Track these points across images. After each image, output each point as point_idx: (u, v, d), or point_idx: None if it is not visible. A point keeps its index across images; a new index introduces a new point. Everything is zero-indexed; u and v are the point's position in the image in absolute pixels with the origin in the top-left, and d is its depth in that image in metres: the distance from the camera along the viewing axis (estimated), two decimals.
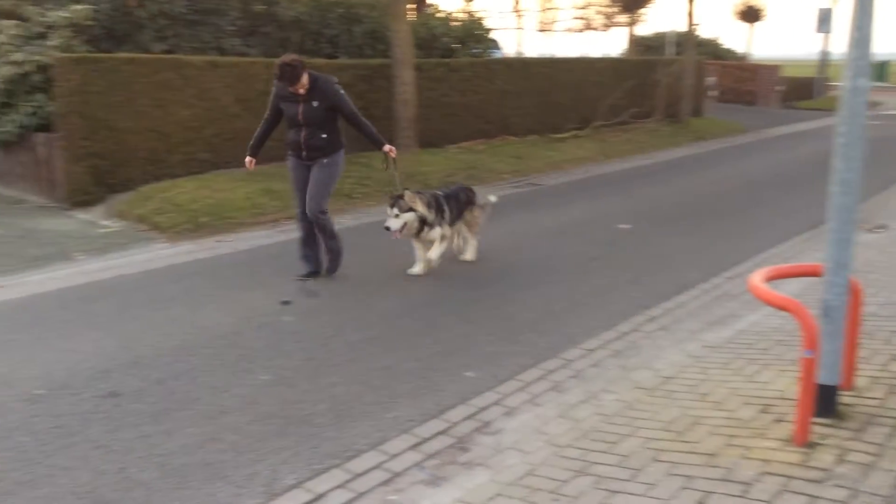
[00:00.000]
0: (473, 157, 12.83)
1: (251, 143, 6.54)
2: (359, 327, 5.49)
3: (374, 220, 9.17)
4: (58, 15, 9.56)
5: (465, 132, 13.87)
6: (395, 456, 3.75)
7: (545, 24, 31.39)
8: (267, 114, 6.47)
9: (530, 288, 6.41)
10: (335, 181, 6.52)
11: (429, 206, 6.49)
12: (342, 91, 6.35)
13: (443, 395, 4.40)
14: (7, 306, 5.86)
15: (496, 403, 4.30)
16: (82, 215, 8.84)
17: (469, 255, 7.13)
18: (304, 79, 6.12)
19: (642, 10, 26.97)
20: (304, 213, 6.44)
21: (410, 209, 6.35)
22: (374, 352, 5.05)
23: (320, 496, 3.39)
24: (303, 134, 6.26)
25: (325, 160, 6.33)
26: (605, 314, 5.75)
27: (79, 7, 9.64)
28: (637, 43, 27.06)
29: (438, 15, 15.40)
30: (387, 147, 6.46)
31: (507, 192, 11.09)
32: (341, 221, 8.81)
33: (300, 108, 6.21)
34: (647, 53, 25.55)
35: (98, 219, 8.73)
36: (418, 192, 6.55)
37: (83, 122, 9.04)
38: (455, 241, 7.11)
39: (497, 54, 18.10)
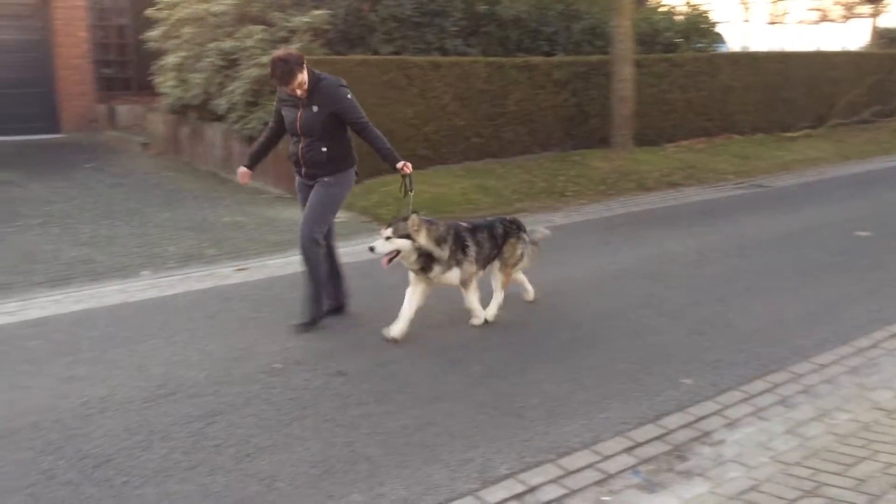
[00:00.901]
0: (693, 157, 12.34)
1: (249, 152, 5.66)
2: (569, 326, 5.47)
3: (585, 219, 9.11)
4: (300, 20, 10.34)
5: (685, 130, 13.36)
6: (608, 457, 3.71)
7: (775, 16, 29.50)
8: (271, 121, 5.60)
9: (755, 295, 6.05)
10: (338, 205, 5.40)
11: (440, 240, 5.10)
12: (350, 95, 5.18)
13: (658, 400, 4.28)
14: (251, 287, 6.44)
15: (716, 413, 4.12)
16: None
17: (528, 294, 5.87)
18: (302, 78, 5.02)
19: (887, 0, 24.57)
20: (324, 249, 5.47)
21: (408, 236, 4.99)
22: (584, 351, 5.01)
23: (533, 489, 3.42)
24: (301, 145, 5.22)
25: (326, 178, 5.26)
26: (839, 327, 5.31)
27: (318, 12, 10.37)
28: (881, 35, 24.69)
29: (661, 9, 14.95)
30: (400, 164, 5.17)
31: (730, 193, 10.56)
32: (551, 220, 8.83)
33: (298, 114, 5.16)
34: (891, 47, 23.24)
35: None
36: (429, 221, 5.14)
37: None
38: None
39: (722, 49, 17.26)
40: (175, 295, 6.17)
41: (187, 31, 11.06)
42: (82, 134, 13.48)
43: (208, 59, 10.63)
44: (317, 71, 5.20)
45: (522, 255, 5.62)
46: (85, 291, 6.23)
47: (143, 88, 13.36)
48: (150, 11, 11.67)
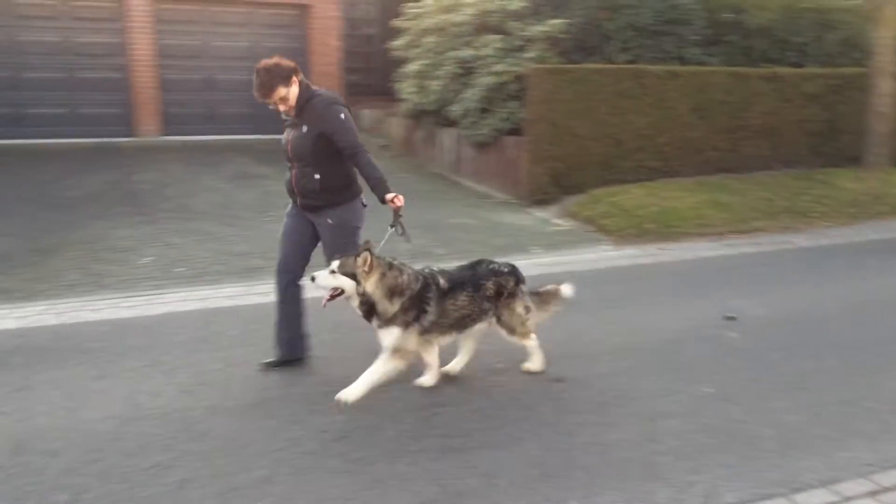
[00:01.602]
0: None
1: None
2: (811, 354, 5.09)
3: (832, 242, 8.43)
4: (536, 29, 10.49)
5: None
6: (848, 499, 3.42)
7: None
8: None
9: None
10: (355, 236, 4.60)
11: (393, 291, 4.15)
12: (344, 115, 4.44)
13: None
14: None
15: None
16: (538, 213, 9.60)
17: (534, 364, 4.73)
18: (285, 93, 4.38)
19: None
20: (284, 270, 4.75)
21: (353, 276, 4.14)
22: (827, 383, 4.64)
23: None
24: (293, 172, 4.58)
25: (329, 220, 4.54)
26: None
27: (555, 21, 10.47)
28: None
29: None
30: (390, 196, 4.40)
31: None
32: (794, 241, 8.26)
33: (290, 136, 4.56)
34: None
35: (551, 217, 9.40)
36: (390, 264, 4.20)
37: (549, 128, 9.80)
38: (468, 349, 4.69)
39: None
40: None
41: (429, 40, 11.59)
42: None
43: (446, 67, 11.08)
44: (314, 87, 4.55)
45: (528, 311, 4.57)
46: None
47: (385, 94, 14.18)
48: (396, 22, 12.37)
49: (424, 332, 4.26)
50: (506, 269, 4.54)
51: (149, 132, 13.51)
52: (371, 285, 4.12)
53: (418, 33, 11.93)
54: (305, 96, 4.47)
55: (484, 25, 11.05)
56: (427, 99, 11.54)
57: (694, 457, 3.76)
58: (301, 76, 4.49)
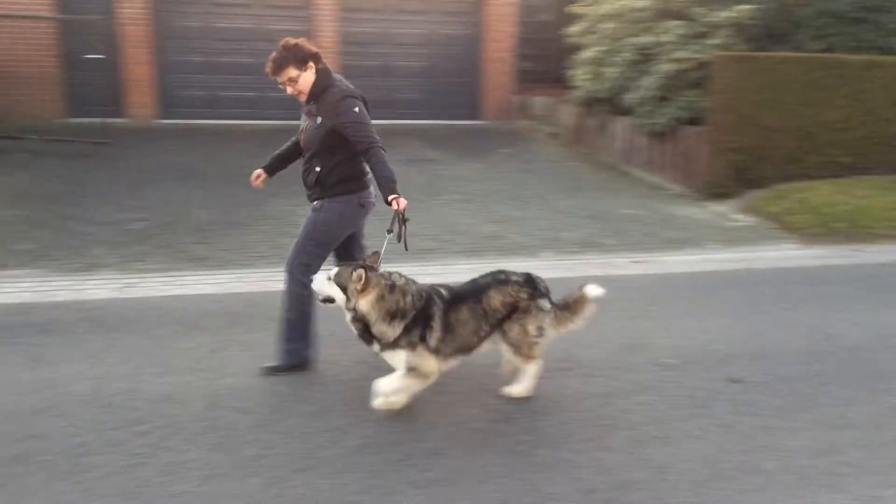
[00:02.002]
0: None
1: (272, 154, 4.80)
2: None
3: None
4: (722, 15, 10.03)
5: None
6: None
7: None
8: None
9: None
10: (327, 237, 4.41)
11: (392, 314, 3.80)
12: (357, 108, 4.23)
13: None
14: (645, 280, 6.47)
15: None
16: (715, 207, 9.21)
17: (518, 389, 4.16)
18: (296, 75, 4.24)
19: None
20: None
21: (344, 289, 3.83)
22: None
23: None
24: (302, 162, 4.51)
25: (316, 203, 4.41)
26: None
27: (743, 7, 9.96)
28: None
29: None
30: (392, 196, 4.09)
31: None
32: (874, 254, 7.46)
33: (304, 125, 4.44)
34: None
35: (730, 212, 8.99)
36: (392, 285, 3.84)
37: (731, 118, 9.37)
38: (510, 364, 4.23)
39: None
40: (573, 278, 6.41)
41: (606, 26, 11.38)
42: (499, 122, 14.66)
43: (624, 54, 10.83)
44: (337, 77, 4.38)
45: (542, 332, 4.04)
46: (494, 264, 6.75)
47: (557, 81, 14.07)
48: (572, 8, 12.22)
49: (434, 353, 3.86)
50: (521, 279, 4.05)
51: None
52: (366, 305, 3.78)
53: (595, 19, 11.73)
54: (322, 86, 4.29)
55: (665, 11, 10.70)
56: (601, 86, 11.34)
57: (882, 471, 3.50)
58: (323, 65, 4.32)
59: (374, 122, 4.30)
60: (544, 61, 15.42)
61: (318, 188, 4.39)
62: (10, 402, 4.01)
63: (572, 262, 6.88)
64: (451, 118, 14.47)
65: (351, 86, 4.38)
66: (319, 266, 4.29)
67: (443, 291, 3.96)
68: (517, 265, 6.65)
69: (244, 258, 6.83)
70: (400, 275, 3.94)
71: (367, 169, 4.34)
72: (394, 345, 3.84)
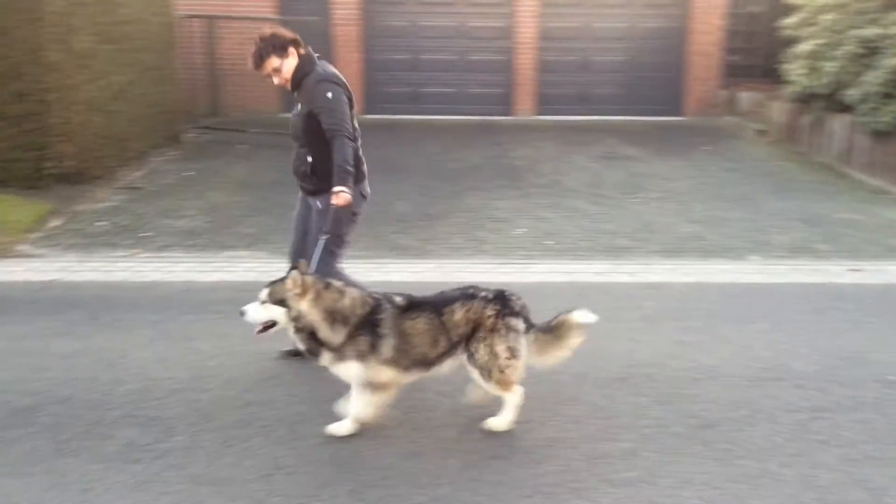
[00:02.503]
0: None
1: None
2: None
3: None
4: None
5: None
6: None
7: None
8: None
9: None
10: (341, 237, 4.31)
11: (334, 315, 3.56)
12: (331, 94, 4.11)
13: None
14: (865, 290, 5.99)
15: None
16: None
17: (498, 422, 3.75)
18: (278, 65, 4.19)
19: None
20: (292, 258, 4.51)
21: (283, 302, 3.59)
22: None
23: None
24: (294, 153, 4.43)
25: (318, 203, 4.31)
26: None
27: None
28: None
29: None
30: (337, 188, 4.03)
31: None
32: None
33: (292, 113, 4.40)
34: None
35: None
36: (327, 284, 3.66)
37: None
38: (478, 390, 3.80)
39: None
40: (783, 284, 6.07)
41: (827, 17, 10.60)
42: (702, 118, 14.09)
43: (845, 47, 10.04)
44: (318, 63, 4.27)
45: (514, 353, 3.61)
46: (695, 265, 6.55)
47: (767, 76, 13.30)
48: None
49: (385, 364, 3.60)
50: (488, 296, 3.67)
51: (524, 111, 14.26)
52: (306, 306, 3.57)
53: (814, 10, 10.96)
54: (303, 71, 4.23)
55: (893, 2, 9.81)
56: (818, 82, 10.58)
57: None
58: (304, 50, 4.27)
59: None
60: (754, 55, 14.61)
61: (315, 178, 4.30)
62: (234, 370, 4.41)
63: (783, 268, 6.49)
64: (651, 114, 14.10)
65: (333, 71, 4.29)
66: (337, 264, 4.38)
67: (397, 299, 3.70)
68: (721, 268, 6.45)
69: (441, 248, 7.04)
70: (338, 281, 3.82)
71: (362, 159, 4.35)
72: (341, 355, 3.59)
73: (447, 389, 4.15)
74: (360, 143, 4.33)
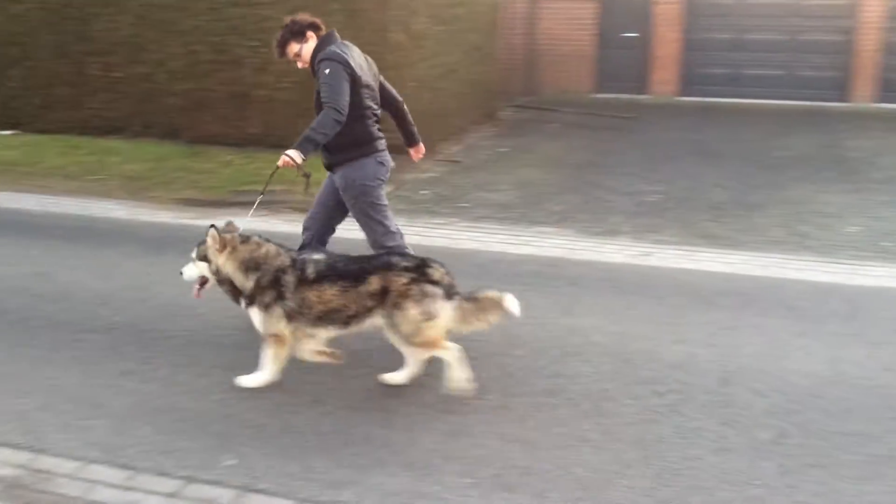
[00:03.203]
0: None
1: None
2: None
3: None
4: None
5: None
6: None
7: None
8: None
9: None
10: (373, 208, 4.50)
11: (247, 265, 3.84)
12: (329, 70, 4.21)
13: None
14: None
15: None
16: None
17: (397, 376, 3.93)
18: (298, 49, 4.47)
19: None
20: (305, 227, 4.74)
21: (205, 258, 3.88)
22: None
23: None
24: None
25: (337, 178, 4.50)
26: None
27: None
28: None
29: None
30: (289, 150, 4.11)
31: None
32: None
33: None
34: None
35: None
36: (246, 238, 3.93)
37: None
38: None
39: None
40: None
41: None
42: None
43: None
44: (335, 43, 4.39)
45: (429, 318, 3.71)
46: None
47: None
48: None
49: (290, 319, 3.81)
50: (405, 264, 3.81)
51: (863, 98, 12.87)
52: (222, 259, 3.87)
53: None
54: (316, 54, 4.37)
55: None
56: None
57: None
58: (324, 32, 4.46)
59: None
60: None
61: (327, 153, 4.44)
62: (544, 341, 4.54)
63: None
64: None
65: (338, 51, 4.31)
66: (392, 228, 4.58)
67: (314, 258, 3.91)
68: None
69: (758, 241, 6.63)
70: (259, 237, 3.99)
71: (380, 133, 4.50)
72: (251, 300, 3.86)
73: (761, 388, 3.94)
74: (376, 118, 4.51)
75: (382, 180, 4.55)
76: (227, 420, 3.65)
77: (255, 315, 3.89)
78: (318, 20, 4.53)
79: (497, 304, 3.86)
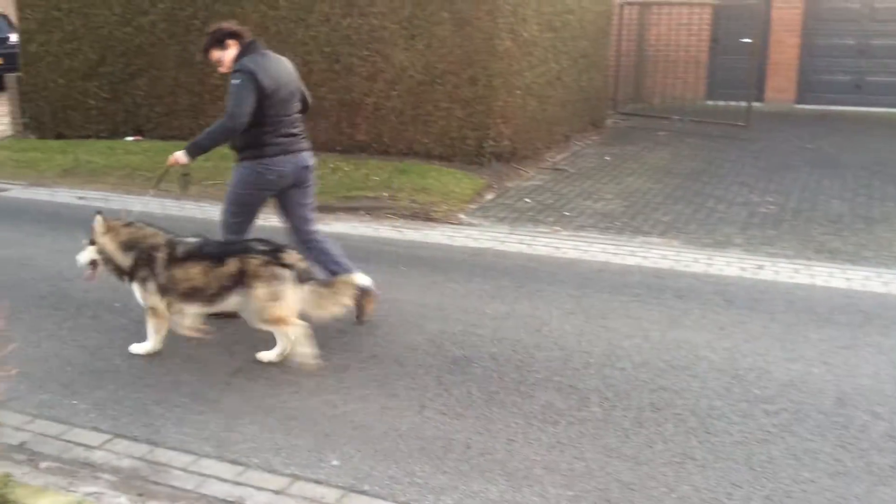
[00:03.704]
0: None
1: None
2: None
3: None
4: None
5: None
6: None
7: None
8: None
9: None
10: (238, 198, 4.72)
11: (126, 245, 4.31)
12: (238, 80, 4.44)
13: None
14: None
15: None
16: None
17: (269, 354, 4.31)
18: (219, 56, 4.70)
19: None
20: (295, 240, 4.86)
21: (93, 241, 4.36)
22: None
23: None
24: None
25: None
26: None
27: None
28: None
29: None
30: (176, 153, 4.61)
31: None
32: None
33: None
34: None
35: None
36: (129, 224, 4.42)
37: None
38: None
39: None
40: None
41: None
42: None
43: None
44: (255, 53, 4.60)
45: (274, 298, 4.11)
46: None
47: None
48: None
49: (162, 294, 4.24)
50: (261, 248, 4.21)
51: None
52: (105, 240, 4.32)
53: None
54: (237, 61, 4.58)
55: None
56: None
57: None
58: (247, 40, 4.65)
59: None
60: None
61: (236, 152, 4.73)
62: (649, 354, 4.44)
63: None
64: None
65: (251, 64, 4.49)
66: (243, 227, 4.75)
67: (186, 241, 4.32)
68: None
69: (880, 256, 6.29)
70: (142, 223, 4.44)
71: (277, 140, 4.61)
72: (132, 277, 4.31)
73: (881, 411, 3.72)
74: (285, 126, 4.66)
75: (262, 186, 4.70)
76: (333, 420, 3.74)
77: (135, 289, 4.35)
78: (240, 29, 4.75)
79: (349, 286, 4.29)
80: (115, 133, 10.40)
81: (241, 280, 4.13)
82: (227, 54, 4.68)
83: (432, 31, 8.80)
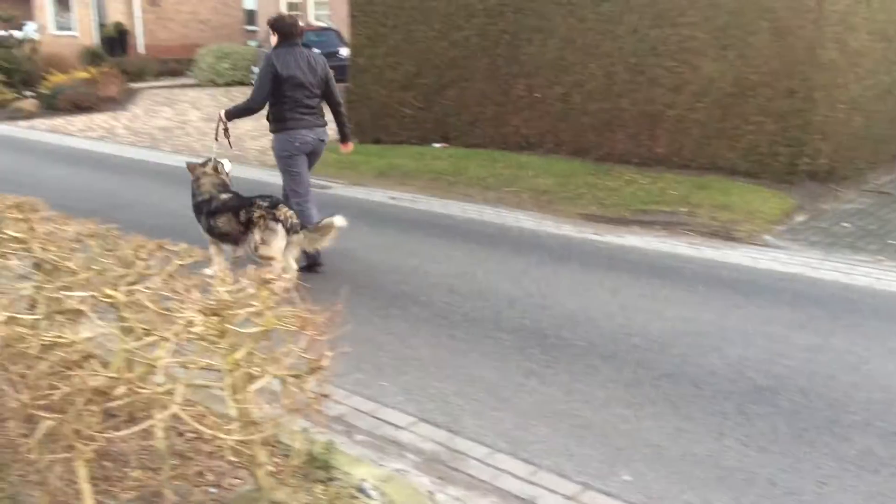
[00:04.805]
0: None
1: None
2: None
3: None
4: None
5: None
6: None
7: None
8: None
9: None
10: (281, 163, 6.07)
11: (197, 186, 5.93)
12: (259, 68, 6.22)
13: None
14: None
15: None
16: None
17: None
18: (272, 41, 6.00)
19: None
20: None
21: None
22: None
23: None
24: None
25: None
26: None
27: None
28: None
29: None
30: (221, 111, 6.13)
31: None
32: None
33: None
34: None
35: None
36: (206, 172, 5.90)
37: None
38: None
39: None
40: None
41: None
42: None
43: None
44: (285, 46, 5.82)
45: (264, 242, 5.41)
46: None
47: None
48: None
49: (210, 233, 5.67)
50: (263, 203, 5.48)
51: None
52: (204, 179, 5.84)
53: None
54: (274, 50, 5.85)
55: None
56: None
57: None
58: (282, 33, 5.84)
59: None
60: None
61: (269, 125, 6.03)
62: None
63: None
64: None
65: (275, 53, 5.78)
66: (300, 188, 6.00)
67: (215, 201, 5.65)
68: None
69: None
70: (216, 169, 5.88)
71: (295, 116, 5.84)
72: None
73: None
74: (301, 105, 5.83)
75: (292, 152, 5.93)
76: (625, 435, 3.67)
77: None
78: (279, 24, 5.92)
79: (331, 226, 5.43)
80: (424, 140, 11.14)
81: (248, 227, 5.44)
82: (272, 41, 5.94)
83: (747, 40, 8.33)
